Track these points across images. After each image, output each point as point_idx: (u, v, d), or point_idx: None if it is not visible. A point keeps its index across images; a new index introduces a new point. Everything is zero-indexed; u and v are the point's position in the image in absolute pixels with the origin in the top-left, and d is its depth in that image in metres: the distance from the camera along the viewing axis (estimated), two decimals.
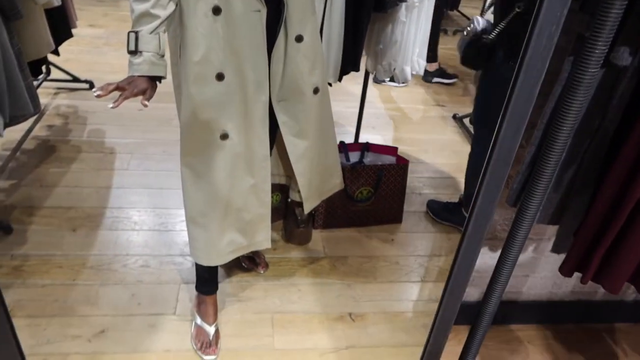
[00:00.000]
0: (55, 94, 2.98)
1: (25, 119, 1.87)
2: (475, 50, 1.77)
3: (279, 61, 1.40)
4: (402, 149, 2.81)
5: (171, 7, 1.27)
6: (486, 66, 1.84)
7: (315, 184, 1.70)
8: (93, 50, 3.54)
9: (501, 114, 0.90)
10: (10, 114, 1.79)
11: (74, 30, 2.57)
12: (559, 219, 1.27)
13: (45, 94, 2.94)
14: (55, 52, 2.41)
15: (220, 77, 1.33)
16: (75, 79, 3.02)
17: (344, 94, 3.33)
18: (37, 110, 1.94)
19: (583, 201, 1.19)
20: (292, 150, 1.56)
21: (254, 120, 1.42)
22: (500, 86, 1.76)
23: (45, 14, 2.15)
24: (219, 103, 1.36)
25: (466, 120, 3.18)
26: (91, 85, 3.03)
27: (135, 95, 1.25)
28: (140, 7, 1.24)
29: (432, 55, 3.56)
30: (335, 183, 1.80)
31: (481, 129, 2.06)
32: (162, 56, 1.29)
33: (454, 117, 3.27)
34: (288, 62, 1.41)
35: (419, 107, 3.40)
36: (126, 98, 1.22)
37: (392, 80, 3.44)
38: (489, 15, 1.85)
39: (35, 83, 2.75)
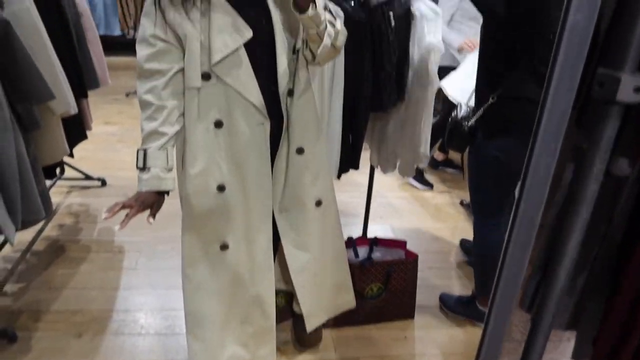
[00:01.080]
0: (68, 192, 3.05)
1: (36, 222, 1.90)
2: (459, 135, 1.90)
3: (280, 172, 1.43)
4: (411, 239, 2.79)
5: (179, 123, 1.33)
6: (470, 149, 1.94)
7: (320, 300, 1.65)
8: (107, 148, 3.66)
9: (506, 238, 0.90)
10: (22, 220, 1.83)
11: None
12: (575, 324, 1.22)
13: (58, 192, 3.01)
14: (70, 155, 2.50)
15: (221, 188, 1.36)
16: (88, 177, 3.10)
17: (349, 184, 3.36)
18: (48, 214, 1.98)
19: (598, 307, 1.15)
20: (292, 263, 1.54)
21: (256, 231, 1.43)
22: (484, 165, 1.88)
23: (61, 120, 2.25)
24: (220, 214, 1.38)
25: None
26: (103, 182, 3.10)
27: (142, 211, 1.27)
28: (149, 126, 1.29)
29: (442, 146, 3.62)
30: (346, 300, 1.75)
31: (475, 215, 2.06)
32: (170, 170, 1.33)
33: (461, 203, 3.27)
34: (289, 173, 1.44)
35: (426, 194, 3.41)
36: (133, 216, 1.24)
37: (419, 179, 3.48)
38: (472, 101, 1.95)
39: (49, 183, 2.83)
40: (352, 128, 2.00)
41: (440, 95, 2.54)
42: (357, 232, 2.74)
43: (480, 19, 2.88)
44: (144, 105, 1.32)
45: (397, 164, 2.30)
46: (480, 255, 2.07)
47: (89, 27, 2.53)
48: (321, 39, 1.29)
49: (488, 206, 1.97)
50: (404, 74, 2.09)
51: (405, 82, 2.10)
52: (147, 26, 1.28)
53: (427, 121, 2.33)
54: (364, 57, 1.90)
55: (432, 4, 2.22)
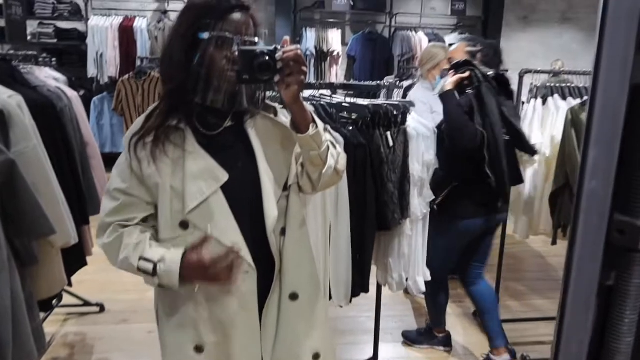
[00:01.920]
0: (65, 320, 2.93)
1: None
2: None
3: (271, 323, 1.27)
4: (426, 359, 2.63)
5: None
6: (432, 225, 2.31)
7: None
8: (107, 269, 3.55)
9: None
10: None
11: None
12: None
13: (54, 321, 2.90)
14: (69, 284, 2.43)
15: (199, 349, 1.22)
16: (87, 303, 3.00)
17: (357, 298, 3.25)
18: (40, 352, 1.87)
19: None
20: None
21: None
22: (441, 236, 2.32)
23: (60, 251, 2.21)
24: None
25: None
26: (102, 308, 3.00)
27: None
28: (127, 244, 1.20)
29: None
30: None
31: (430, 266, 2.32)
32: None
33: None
34: (281, 323, 1.27)
35: None
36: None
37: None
38: None
39: (45, 314, 2.73)
40: (360, 252, 1.96)
41: None
42: (367, 353, 2.59)
43: None
44: (110, 246, 1.22)
45: (405, 282, 2.23)
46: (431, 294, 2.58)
47: (93, 154, 2.59)
48: (323, 161, 1.21)
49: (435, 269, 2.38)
50: (406, 191, 2.09)
51: (408, 199, 2.10)
52: (114, 179, 1.26)
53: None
54: (366, 180, 1.91)
55: (427, 123, 2.29)
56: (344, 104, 2.09)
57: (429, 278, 2.28)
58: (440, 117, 2.99)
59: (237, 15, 1.18)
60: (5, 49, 5.96)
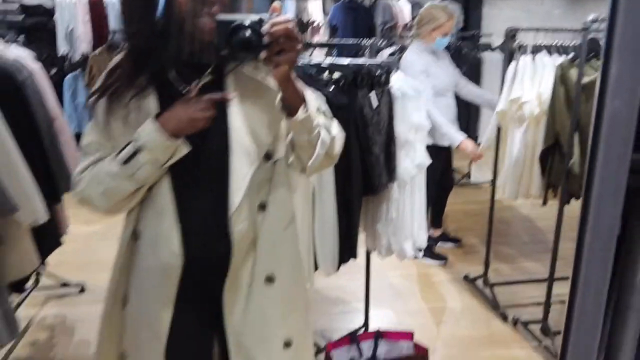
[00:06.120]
0: (44, 303, 2.83)
1: None
2: None
3: (238, 303, 1.15)
4: (418, 323, 2.59)
5: None
6: None
7: None
8: (87, 249, 3.48)
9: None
10: None
11: (69, 228, 2.51)
12: None
13: (32, 304, 2.79)
14: (42, 263, 2.32)
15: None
16: (65, 284, 2.90)
17: (346, 266, 3.19)
18: (13, 336, 1.78)
19: None
20: None
21: None
22: None
23: (32, 228, 2.09)
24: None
25: (479, 282, 3.00)
26: (82, 289, 2.89)
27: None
28: (102, 166, 1.13)
29: (436, 221, 3.49)
30: None
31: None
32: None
33: (465, 278, 3.09)
34: (251, 306, 1.16)
35: (427, 271, 3.23)
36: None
37: (429, 255, 3.34)
38: None
39: (21, 297, 2.62)
40: (347, 216, 1.88)
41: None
42: (358, 321, 2.54)
43: (446, 92, 3.02)
44: (89, 187, 1.12)
45: (393, 247, 2.16)
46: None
47: (61, 130, 2.44)
48: (313, 147, 1.09)
49: None
50: (392, 154, 2.00)
51: (394, 162, 2.01)
52: (85, 137, 1.17)
53: (421, 200, 2.22)
54: (350, 143, 1.81)
55: (413, 82, 2.18)
56: (323, 65, 1.97)
57: (418, 243, 2.21)
58: (437, 80, 2.91)
59: None
60: None
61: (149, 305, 1.17)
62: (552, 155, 2.49)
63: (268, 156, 1.13)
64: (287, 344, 1.20)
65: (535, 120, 2.63)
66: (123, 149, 1.08)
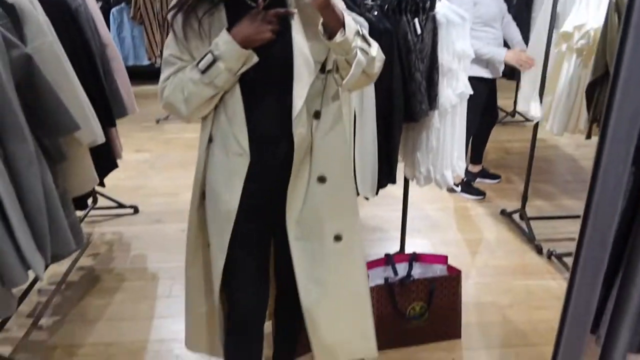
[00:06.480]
0: (101, 221, 3.06)
1: (67, 255, 1.88)
2: None
3: (297, 199, 1.30)
4: (453, 253, 2.66)
5: None
6: None
7: (331, 340, 1.45)
8: (139, 175, 3.68)
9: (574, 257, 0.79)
10: (52, 254, 1.80)
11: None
12: None
13: (91, 222, 3.02)
14: (101, 184, 2.49)
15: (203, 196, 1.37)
16: (121, 205, 3.11)
17: (385, 196, 3.25)
18: (79, 245, 1.95)
19: None
20: (304, 297, 1.36)
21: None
22: None
23: (90, 150, 2.24)
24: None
25: (516, 216, 3.03)
26: (136, 210, 3.10)
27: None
28: (185, 73, 1.24)
29: (476, 157, 3.46)
30: (363, 346, 1.50)
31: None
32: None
33: (502, 212, 3.12)
34: (307, 202, 1.31)
35: (465, 204, 3.28)
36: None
37: (467, 190, 3.37)
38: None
39: (82, 213, 2.84)
40: (387, 141, 1.92)
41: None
42: (394, 248, 2.63)
43: (494, 23, 2.89)
44: (173, 94, 1.25)
45: (433, 175, 2.20)
46: None
47: (114, 56, 2.54)
48: (350, 66, 1.19)
49: None
50: (434, 82, 2.00)
51: (436, 90, 2.01)
52: (166, 49, 1.28)
53: (461, 129, 2.23)
54: (392, 68, 1.82)
55: (459, 9, 2.13)
56: None
57: (457, 172, 2.24)
58: (486, 8, 2.81)
59: None
60: None
61: (219, 200, 1.32)
62: (600, 87, 2.42)
63: (322, 68, 1.25)
64: (338, 238, 1.35)
65: (592, 51, 2.53)
66: (202, 58, 1.20)
